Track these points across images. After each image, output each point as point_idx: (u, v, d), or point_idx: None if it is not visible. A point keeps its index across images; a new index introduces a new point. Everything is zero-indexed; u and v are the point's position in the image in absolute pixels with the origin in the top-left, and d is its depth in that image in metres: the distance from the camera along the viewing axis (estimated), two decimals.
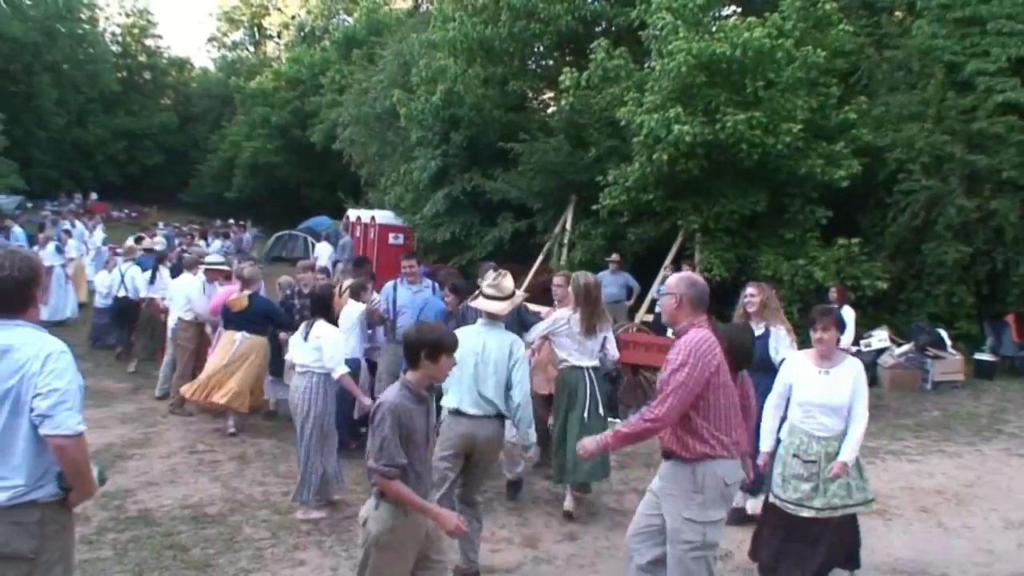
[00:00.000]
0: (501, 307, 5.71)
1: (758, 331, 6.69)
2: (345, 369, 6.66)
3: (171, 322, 10.60)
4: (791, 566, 5.33)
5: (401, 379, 4.10)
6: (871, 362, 12.67)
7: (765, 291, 6.93)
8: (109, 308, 13.69)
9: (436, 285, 9.51)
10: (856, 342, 11.61)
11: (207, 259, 11.19)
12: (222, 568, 5.51)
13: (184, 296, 10.33)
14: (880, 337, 13.49)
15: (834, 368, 5.34)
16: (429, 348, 4.03)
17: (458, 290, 8.32)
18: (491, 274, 5.88)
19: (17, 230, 18.19)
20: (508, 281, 5.86)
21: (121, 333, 13.63)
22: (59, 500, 3.27)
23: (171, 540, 5.94)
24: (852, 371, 5.34)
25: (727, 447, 4.27)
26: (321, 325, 6.72)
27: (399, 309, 8.53)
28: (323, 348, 6.58)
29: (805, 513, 5.19)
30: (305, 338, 6.71)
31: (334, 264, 20.92)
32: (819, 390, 5.29)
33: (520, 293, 6.14)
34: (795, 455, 5.29)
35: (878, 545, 6.32)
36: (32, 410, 3.11)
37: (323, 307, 6.95)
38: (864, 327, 13.07)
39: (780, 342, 6.60)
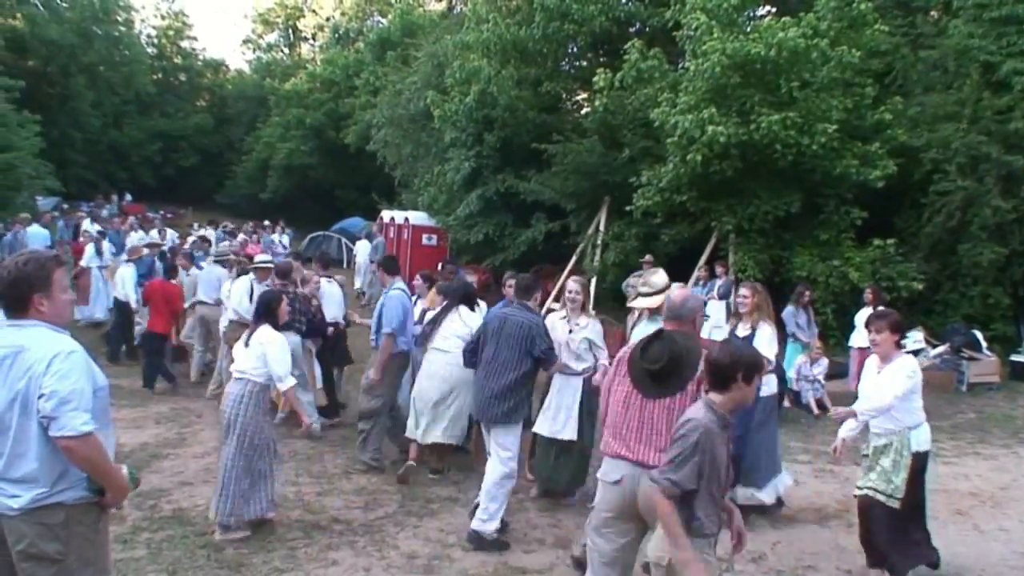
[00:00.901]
0: (655, 301, 6.11)
1: (744, 332, 6.73)
2: (291, 382, 6.24)
3: (223, 323, 10.69)
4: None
5: (705, 400, 3.75)
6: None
7: (759, 293, 6.90)
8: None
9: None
10: None
11: (257, 258, 11.27)
12: (255, 567, 5.54)
13: (238, 296, 10.28)
14: (915, 338, 13.37)
15: (885, 367, 5.56)
16: (747, 369, 3.69)
17: (443, 291, 8.38)
18: (638, 275, 6.31)
19: (33, 229, 18.00)
20: (658, 277, 6.40)
21: (116, 336, 13.65)
22: (88, 503, 3.31)
23: (205, 539, 5.98)
24: (895, 366, 5.50)
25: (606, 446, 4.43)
26: (265, 331, 6.28)
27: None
28: (267, 357, 6.14)
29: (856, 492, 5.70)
30: (247, 343, 6.30)
31: (370, 263, 21.16)
32: (869, 388, 5.61)
33: (675, 284, 6.56)
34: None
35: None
36: (39, 412, 3.14)
37: (268, 312, 6.43)
38: None
39: (762, 341, 6.51)
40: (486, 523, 6.06)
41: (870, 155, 13.99)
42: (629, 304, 6.76)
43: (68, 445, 3.15)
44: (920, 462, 5.59)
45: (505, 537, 6.18)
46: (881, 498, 5.43)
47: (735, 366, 3.67)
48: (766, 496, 6.75)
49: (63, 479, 3.22)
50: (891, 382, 5.42)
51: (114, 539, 5.57)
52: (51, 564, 3.21)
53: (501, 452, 6.22)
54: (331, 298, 10.03)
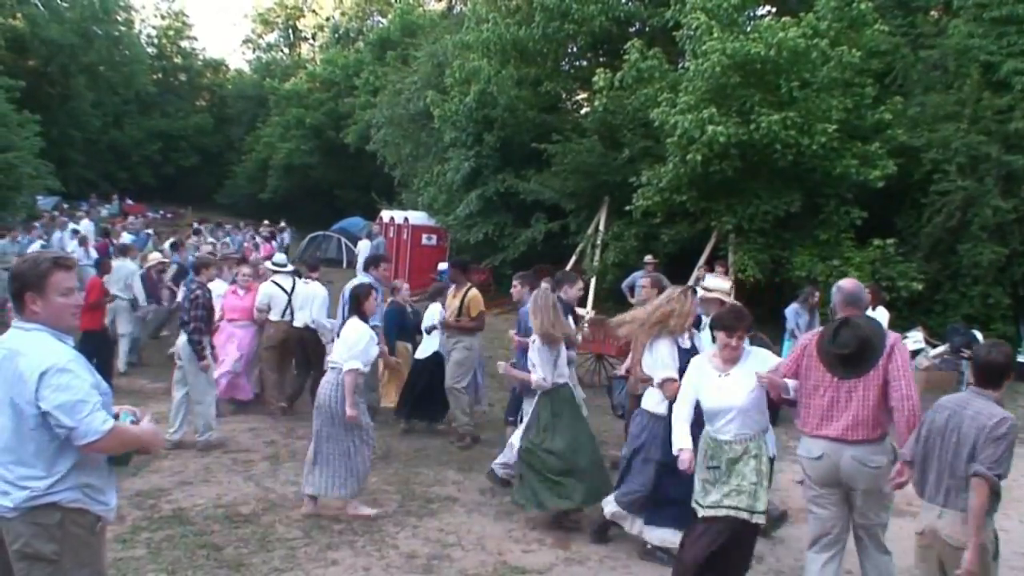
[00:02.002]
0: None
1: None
2: (355, 365, 6.44)
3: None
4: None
5: (993, 397, 4.15)
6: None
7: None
8: None
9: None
10: None
11: (275, 259, 11.19)
12: (255, 567, 5.53)
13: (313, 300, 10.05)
14: (915, 339, 13.36)
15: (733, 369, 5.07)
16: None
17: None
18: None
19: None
20: (722, 281, 6.91)
21: None
22: (84, 505, 3.29)
23: (205, 539, 5.96)
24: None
25: None
26: (351, 322, 6.73)
27: None
28: (342, 341, 6.64)
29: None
30: (338, 335, 6.81)
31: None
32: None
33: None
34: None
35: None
36: (58, 426, 3.13)
37: (356, 304, 6.91)
38: (899, 328, 12.88)
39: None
40: None
41: (870, 155, 14.00)
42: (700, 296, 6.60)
43: (99, 447, 3.21)
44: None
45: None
46: (745, 516, 4.87)
47: (1010, 366, 4.16)
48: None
49: (59, 481, 3.21)
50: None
51: (114, 539, 5.57)
52: (46, 564, 3.20)
53: None
54: (314, 299, 9.88)
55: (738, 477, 4.86)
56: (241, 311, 9.93)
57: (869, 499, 4.72)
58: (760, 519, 4.90)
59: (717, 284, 6.76)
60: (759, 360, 5.08)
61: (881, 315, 11.40)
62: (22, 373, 3.16)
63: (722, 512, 4.85)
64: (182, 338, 8.32)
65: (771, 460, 5.34)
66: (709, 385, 5.03)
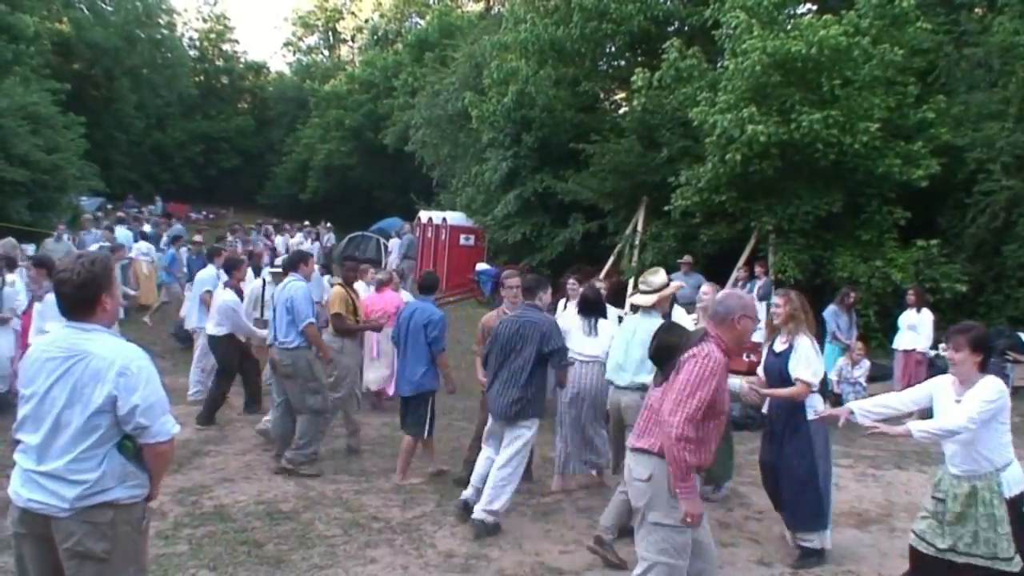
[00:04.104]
0: (650, 299, 6.72)
1: (781, 347, 5.91)
2: None
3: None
4: None
5: None
6: (948, 367, 12.37)
7: (792, 301, 5.97)
8: None
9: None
10: (934, 346, 11.38)
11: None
12: (295, 564, 5.57)
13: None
14: None
15: (967, 392, 4.64)
16: None
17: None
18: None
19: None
20: (657, 277, 6.85)
21: None
22: (134, 502, 3.36)
23: (245, 536, 6.02)
24: (976, 390, 4.59)
25: None
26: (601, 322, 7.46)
27: None
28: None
29: (923, 548, 4.71)
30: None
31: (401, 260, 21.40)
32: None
33: (674, 284, 7.10)
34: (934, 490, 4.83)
35: (868, 554, 6.22)
36: (124, 422, 3.23)
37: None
38: (942, 331, 12.75)
39: (799, 358, 5.73)
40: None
41: (913, 154, 13.80)
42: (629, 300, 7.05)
43: (162, 449, 3.35)
44: (1017, 509, 4.53)
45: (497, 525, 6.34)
46: (987, 564, 4.46)
47: None
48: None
49: (115, 479, 3.28)
50: (967, 406, 4.52)
51: (156, 535, 5.65)
52: (97, 563, 3.26)
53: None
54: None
55: (970, 523, 4.49)
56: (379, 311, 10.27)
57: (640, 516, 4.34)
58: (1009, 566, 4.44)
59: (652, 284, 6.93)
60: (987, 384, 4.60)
61: (926, 316, 11.27)
62: (97, 371, 3.22)
63: (961, 560, 4.54)
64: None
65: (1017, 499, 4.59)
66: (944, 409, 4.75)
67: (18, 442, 3.37)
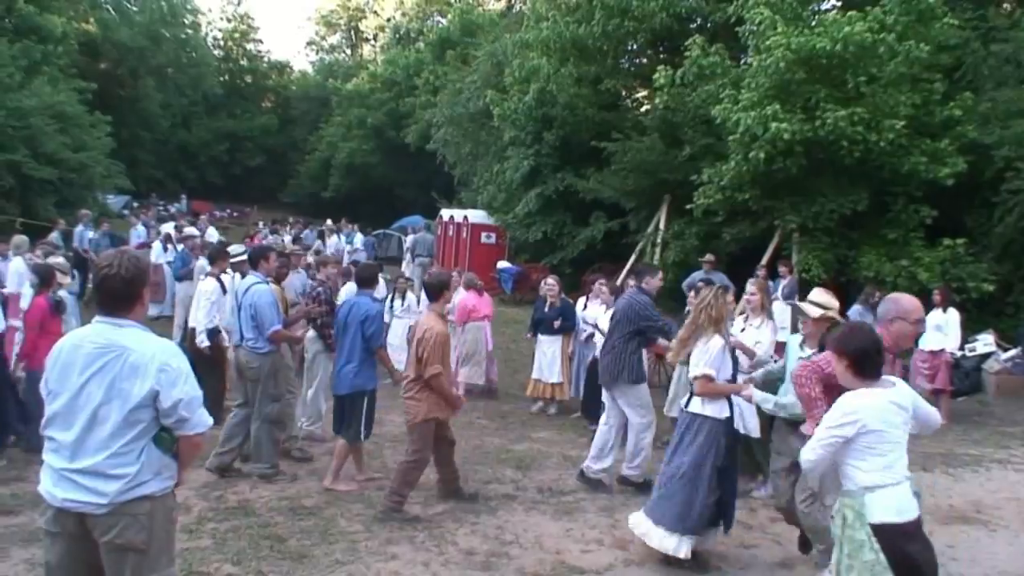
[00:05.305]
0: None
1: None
2: None
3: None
4: None
5: None
6: (976, 367, 12.23)
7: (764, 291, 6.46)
8: None
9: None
10: (961, 346, 11.26)
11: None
12: (317, 559, 5.58)
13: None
14: (985, 341, 12.99)
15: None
16: None
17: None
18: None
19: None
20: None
21: None
22: (167, 493, 3.40)
23: (268, 530, 6.04)
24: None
25: None
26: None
27: None
28: None
29: None
30: None
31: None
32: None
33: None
34: None
35: (981, 556, 6.12)
36: (166, 416, 3.27)
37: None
38: (969, 331, 12.63)
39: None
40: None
41: (939, 152, 13.67)
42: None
43: (197, 440, 3.43)
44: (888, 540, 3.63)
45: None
46: None
47: None
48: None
49: (151, 472, 3.31)
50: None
51: (180, 529, 5.65)
52: (136, 554, 3.28)
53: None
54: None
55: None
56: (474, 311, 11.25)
57: None
58: None
59: (827, 301, 5.88)
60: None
61: (952, 317, 11.13)
62: (136, 366, 3.24)
63: None
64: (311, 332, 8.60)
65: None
66: None
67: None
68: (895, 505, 3.64)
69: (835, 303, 5.78)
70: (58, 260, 9.45)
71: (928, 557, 3.68)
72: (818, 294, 5.87)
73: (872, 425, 3.60)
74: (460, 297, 11.24)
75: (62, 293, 8.57)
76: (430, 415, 6.43)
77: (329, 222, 24.97)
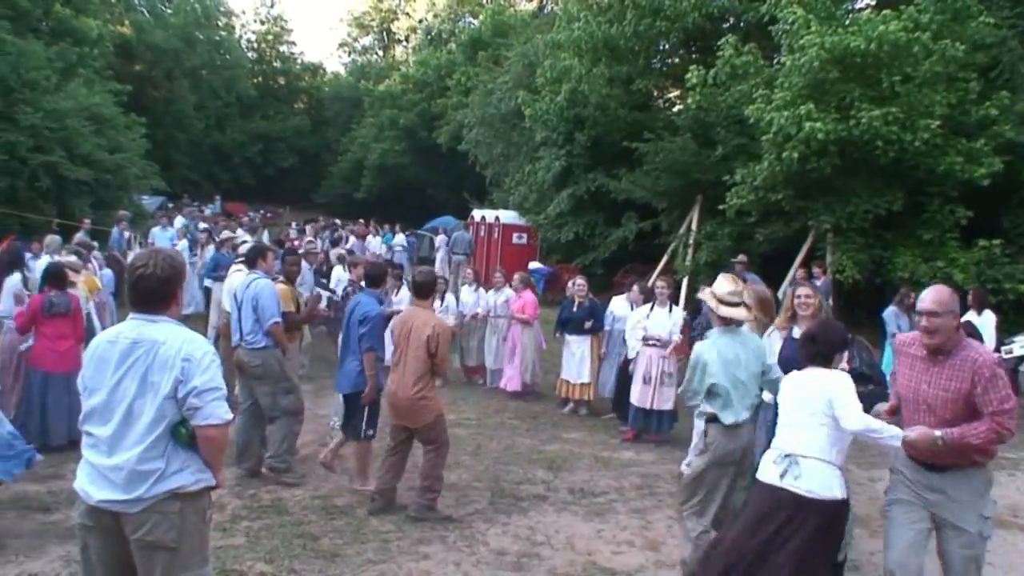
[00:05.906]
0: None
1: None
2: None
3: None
4: None
5: None
6: (1012, 369, 12.09)
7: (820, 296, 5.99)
8: None
9: None
10: (997, 348, 11.12)
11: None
12: (349, 558, 5.63)
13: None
14: (1022, 343, 12.87)
15: None
16: None
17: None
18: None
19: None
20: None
21: None
22: (199, 490, 3.42)
23: (301, 529, 6.11)
24: None
25: None
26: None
27: None
28: None
29: None
30: None
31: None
32: None
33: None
34: None
35: (1019, 562, 6.08)
36: (181, 404, 3.29)
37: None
38: (1005, 333, 12.49)
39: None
40: None
41: (975, 152, 13.50)
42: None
43: (212, 434, 3.36)
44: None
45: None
46: None
47: None
48: None
49: (178, 465, 3.34)
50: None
51: (214, 527, 5.72)
52: (166, 552, 3.32)
53: None
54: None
55: None
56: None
57: None
58: None
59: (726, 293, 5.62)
60: None
61: (987, 319, 10.99)
62: (166, 359, 3.29)
63: None
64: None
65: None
66: None
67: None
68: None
69: (738, 290, 5.51)
70: (70, 259, 9.25)
71: None
72: (723, 283, 5.58)
73: None
74: (525, 296, 11.44)
75: (76, 291, 8.29)
76: (440, 409, 6.59)
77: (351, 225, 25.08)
